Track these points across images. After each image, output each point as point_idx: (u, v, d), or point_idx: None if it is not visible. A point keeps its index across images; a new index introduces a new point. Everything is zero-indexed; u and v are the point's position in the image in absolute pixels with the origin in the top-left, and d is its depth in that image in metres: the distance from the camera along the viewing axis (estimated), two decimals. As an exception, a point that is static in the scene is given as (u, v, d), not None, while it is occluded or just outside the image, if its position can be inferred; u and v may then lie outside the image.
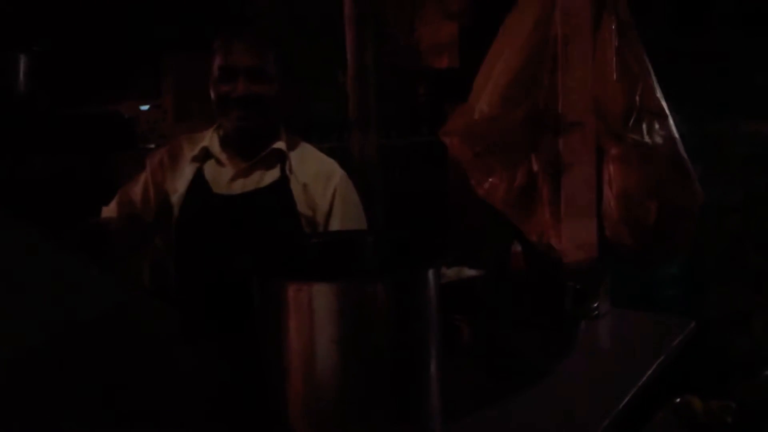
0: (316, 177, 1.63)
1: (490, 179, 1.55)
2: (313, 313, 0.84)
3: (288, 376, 0.87)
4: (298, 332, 0.85)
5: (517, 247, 2.09)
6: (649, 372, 1.21)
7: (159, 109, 3.21)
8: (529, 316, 1.27)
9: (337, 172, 1.67)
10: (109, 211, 1.71)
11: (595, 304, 1.21)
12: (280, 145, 1.64)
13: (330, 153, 1.81)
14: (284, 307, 0.86)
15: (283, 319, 0.86)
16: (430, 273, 0.92)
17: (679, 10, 2.66)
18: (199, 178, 1.65)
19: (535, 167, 1.50)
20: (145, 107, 3.41)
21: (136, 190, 1.72)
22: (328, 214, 1.61)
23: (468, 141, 1.53)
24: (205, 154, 1.66)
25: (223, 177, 1.64)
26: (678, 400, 1.80)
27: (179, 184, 1.67)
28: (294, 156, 1.65)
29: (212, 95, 1.59)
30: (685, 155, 1.33)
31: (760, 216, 2.55)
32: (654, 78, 1.34)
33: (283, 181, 1.61)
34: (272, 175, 1.63)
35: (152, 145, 3.26)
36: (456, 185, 1.74)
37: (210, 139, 1.68)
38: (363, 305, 0.86)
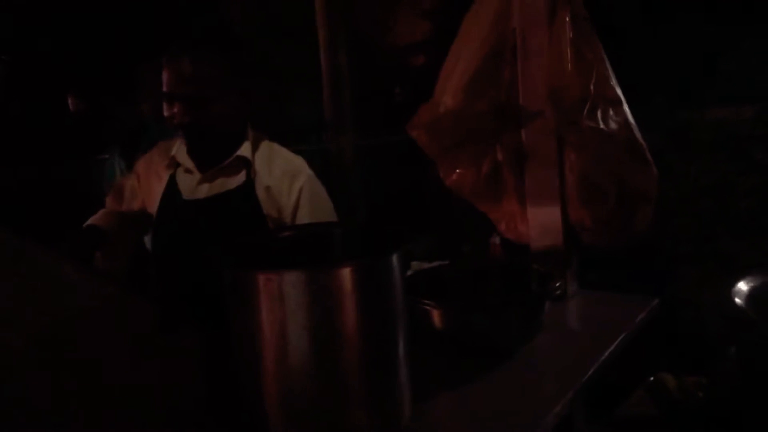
0: (281, 178, 1.65)
1: (458, 170, 1.59)
2: (283, 301, 0.88)
3: (261, 364, 0.91)
4: (269, 321, 0.89)
5: (497, 239, 2.14)
6: (612, 347, 1.26)
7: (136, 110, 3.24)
8: (497, 298, 1.32)
9: (304, 172, 1.69)
10: (100, 215, 1.77)
11: (558, 284, 1.25)
12: (244, 151, 1.67)
13: (308, 155, 1.84)
14: (255, 298, 0.90)
15: (254, 309, 0.90)
16: (395, 257, 0.96)
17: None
18: (171, 184, 1.70)
19: (500, 157, 1.55)
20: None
21: (125, 194, 1.79)
22: (294, 214, 1.64)
23: (435, 134, 1.58)
24: (176, 162, 1.72)
25: (190, 183, 1.69)
26: (652, 378, 1.86)
27: (156, 190, 1.72)
28: (259, 158, 1.68)
29: (165, 113, 1.61)
30: (641, 140, 1.39)
31: (730, 200, 2.63)
32: (609, 67, 1.39)
33: (248, 185, 1.64)
34: (237, 179, 1.66)
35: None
36: (433, 181, 1.78)
37: (177, 148, 1.72)
38: (331, 291, 0.90)
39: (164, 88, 1.57)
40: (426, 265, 1.74)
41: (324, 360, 0.90)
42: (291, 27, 3.57)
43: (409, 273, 1.68)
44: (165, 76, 1.57)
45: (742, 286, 1.36)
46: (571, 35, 1.39)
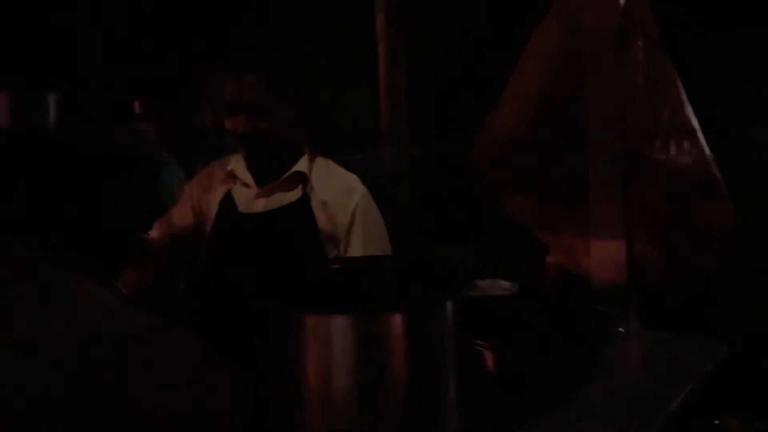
0: (338, 193, 1.66)
1: (518, 197, 1.53)
2: (330, 344, 0.85)
3: (303, 405, 0.87)
4: (313, 363, 0.86)
5: (552, 258, 2.07)
6: (677, 400, 1.17)
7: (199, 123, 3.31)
8: (554, 340, 1.25)
9: (359, 189, 1.70)
10: (153, 232, 1.79)
11: (620, 329, 1.18)
12: (301, 166, 1.68)
13: (364, 164, 1.83)
14: (302, 339, 0.87)
15: (300, 350, 0.87)
16: (448, 303, 0.92)
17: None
18: (227, 198, 1.72)
19: (563, 185, 1.48)
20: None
21: (178, 212, 1.81)
22: (349, 230, 1.63)
23: (494, 158, 1.53)
24: (232, 177, 1.73)
25: (247, 197, 1.70)
26: (716, 422, 1.75)
27: (212, 206, 1.74)
28: (315, 174, 1.69)
29: (226, 125, 1.64)
30: (717, 173, 1.29)
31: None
32: (683, 94, 1.30)
33: (304, 200, 1.65)
34: (294, 194, 1.67)
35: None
36: (490, 195, 1.73)
37: (236, 162, 1.74)
38: (379, 336, 0.86)
39: (227, 98, 1.60)
40: (480, 282, 1.70)
41: (368, 405, 0.86)
42: (347, 37, 3.57)
43: (462, 290, 1.64)
44: (229, 87, 1.60)
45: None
46: (642, 59, 1.31)
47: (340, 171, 1.75)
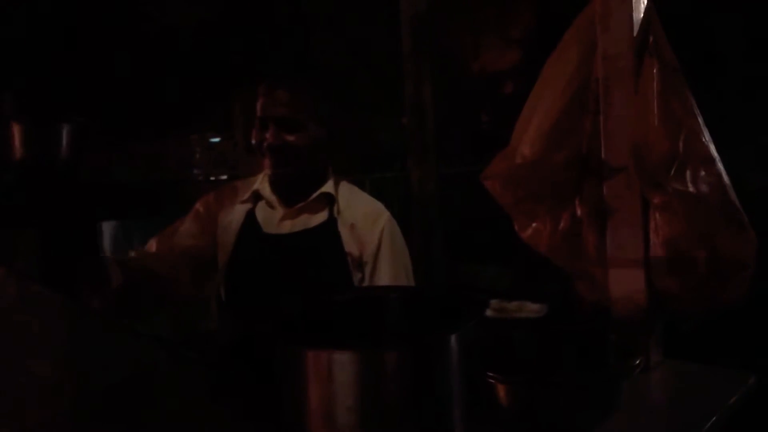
0: (365, 217, 1.67)
1: (534, 224, 1.52)
2: (331, 378, 0.85)
3: None
4: (317, 397, 0.87)
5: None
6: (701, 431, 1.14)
7: (231, 140, 3.36)
8: (569, 372, 1.23)
9: (384, 213, 1.71)
10: (138, 254, 1.74)
11: (638, 361, 1.15)
12: (328, 188, 1.69)
13: (391, 182, 1.84)
14: (304, 372, 0.87)
15: (302, 383, 0.87)
16: (453, 338, 0.92)
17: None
18: (250, 219, 1.72)
19: (580, 213, 1.46)
20: (215, 139, 3.55)
21: (186, 229, 1.76)
22: (377, 253, 1.64)
23: (510, 185, 1.51)
24: (257, 197, 1.73)
25: (273, 218, 1.71)
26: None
27: (231, 226, 1.74)
28: (341, 197, 1.70)
29: (253, 140, 1.66)
30: (736, 202, 1.26)
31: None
32: (701, 122, 1.28)
33: (331, 222, 1.66)
34: (320, 216, 1.68)
35: (224, 176, 3.39)
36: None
37: (261, 182, 1.75)
38: (381, 372, 0.86)
39: (258, 113, 1.62)
40: (506, 303, 1.68)
41: None
42: (373, 54, 3.60)
43: (488, 312, 1.62)
44: (260, 103, 1.63)
45: None
46: (659, 87, 1.29)
47: (365, 196, 1.77)
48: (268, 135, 1.60)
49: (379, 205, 1.74)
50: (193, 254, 1.73)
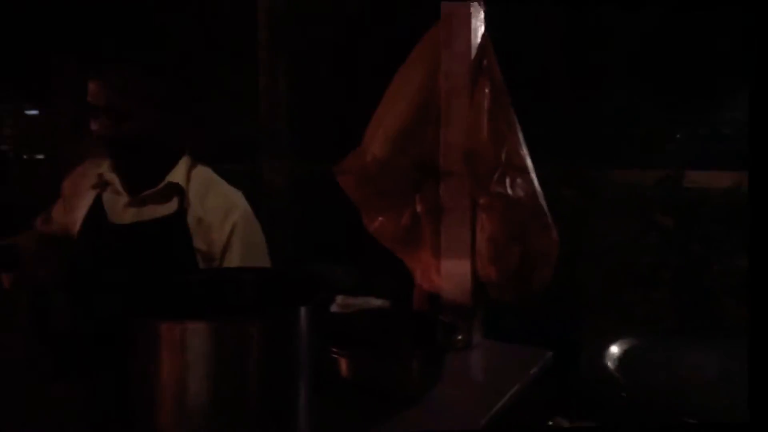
0: (214, 211, 1.61)
1: (380, 218, 1.68)
2: (184, 351, 0.90)
3: (157, 411, 0.91)
4: (169, 368, 0.90)
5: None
6: (506, 398, 1.36)
7: (52, 116, 2.87)
8: (403, 347, 1.40)
9: (239, 207, 1.65)
10: (23, 236, 1.67)
11: (459, 336, 1.35)
12: (176, 177, 1.61)
13: (240, 176, 1.82)
14: (156, 345, 0.90)
15: (155, 356, 0.90)
16: (302, 311, 1.01)
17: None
18: (97, 205, 1.63)
19: (420, 210, 1.64)
20: (32, 111, 3.07)
21: (57, 211, 1.70)
22: (225, 249, 1.60)
23: (360, 181, 1.66)
24: (104, 181, 1.64)
25: (117, 205, 1.61)
26: (550, 423, 1.98)
27: (78, 211, 1.66)
28: (194, 187, 1.62)
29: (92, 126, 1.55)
30: (544, 206, 1.51)
31: (634, 256, 2.83)
32: (521, 138, 1.51)
33: (179, 214, 1.58)
34: (168, 207, 1.60)
35: (40, 156, 2.98)
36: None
37: (107, 166, 1.64)
38: (234, 343, 0.92)
39: (89, 99, 1.51)
40: (351, 299, 1.80)
41: (222, 410, 0.92)
42: (229, 43, 3.56)
43: (333, 308, 1.74)
44: (91, 86, 1.51)
45: (614, 349, 1.51)
46: (489, 105, 1.51)
47: (223, 187, 1.69)
48: (97, 123, 1.50)
49: (235, 198, 1.66)
50: (59, 236, 1.65)
